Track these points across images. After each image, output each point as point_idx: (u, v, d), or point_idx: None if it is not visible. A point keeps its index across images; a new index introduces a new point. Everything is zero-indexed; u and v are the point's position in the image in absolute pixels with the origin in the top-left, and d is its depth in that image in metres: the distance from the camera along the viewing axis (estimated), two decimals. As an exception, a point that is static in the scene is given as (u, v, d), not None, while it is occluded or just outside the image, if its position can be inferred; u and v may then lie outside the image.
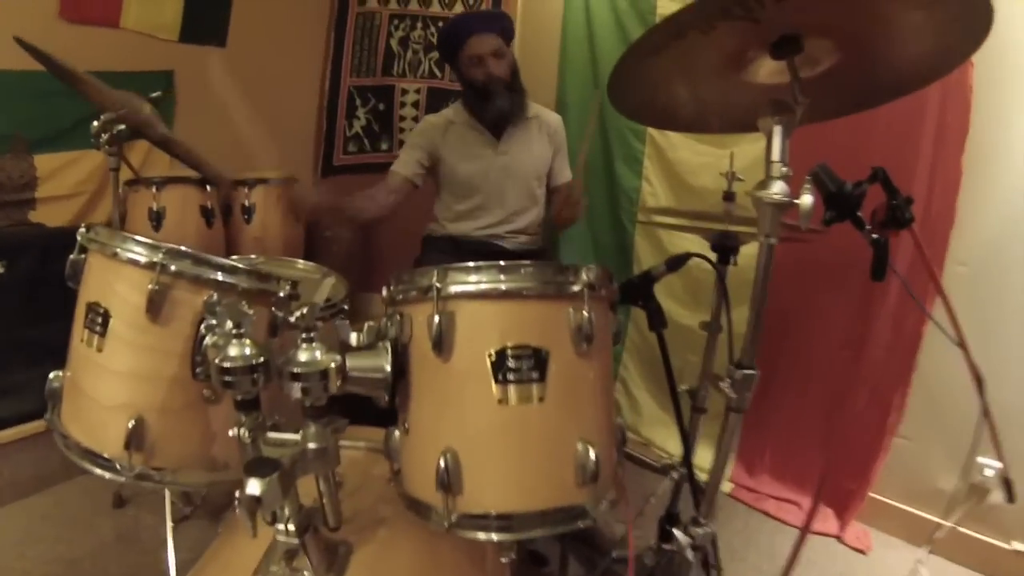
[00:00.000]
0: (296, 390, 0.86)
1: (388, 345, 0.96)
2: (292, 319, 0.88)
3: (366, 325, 0.98)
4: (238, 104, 3.39)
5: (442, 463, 0.91)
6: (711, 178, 2.51)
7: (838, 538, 2.28)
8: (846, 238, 1.16)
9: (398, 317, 0.99)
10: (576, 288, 0.96)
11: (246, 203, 2.89)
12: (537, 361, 0.92)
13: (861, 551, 2.22)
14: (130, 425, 1.03)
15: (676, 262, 1.33)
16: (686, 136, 2.62)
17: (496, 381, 0.92)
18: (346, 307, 1.47)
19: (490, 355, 0.92)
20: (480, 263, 0.94)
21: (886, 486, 2.31)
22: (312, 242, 3.16)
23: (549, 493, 0.94)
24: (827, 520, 2.32)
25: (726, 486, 2.53)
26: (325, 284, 1.61)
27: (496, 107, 2.28)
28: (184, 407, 1.07)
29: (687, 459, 1.43)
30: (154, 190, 2.58)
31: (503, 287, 0.94)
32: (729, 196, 1.57)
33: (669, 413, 2.12)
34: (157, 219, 2.58)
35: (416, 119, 3.57)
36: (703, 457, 2.16)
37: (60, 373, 1.17)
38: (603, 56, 2.90)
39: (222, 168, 2.34)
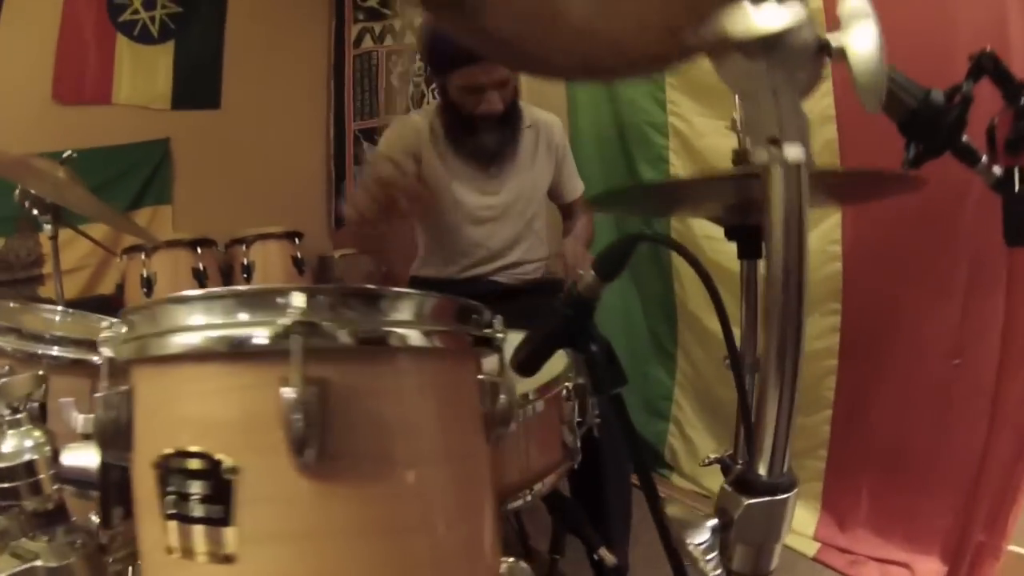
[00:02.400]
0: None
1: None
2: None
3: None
4: (238, 163, 3.43)
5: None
6: (749, 162, 2.12)
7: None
8: (943, 189, 0.78)
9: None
10: (281, 339, 0.53)
11: (245, 261, 2.77)
12: (217, 486, 0.53)
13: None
14: None
15: (610, 260, 0.74)
16: (710, 118, 2.26)
17: (164, 514, 0.55)
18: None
19: (155, 463, 0.55)
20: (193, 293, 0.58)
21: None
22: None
23: None
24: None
25: (809, 547, 2.00)
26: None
27: (480, 144, 1.84)
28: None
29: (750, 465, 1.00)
30: (143, 256, 2.54)
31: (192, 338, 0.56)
32: (742, 157, 1.05)
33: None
34: (148, 285, 2.53)
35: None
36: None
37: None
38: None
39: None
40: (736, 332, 0.93)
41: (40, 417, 0.73)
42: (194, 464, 0.52)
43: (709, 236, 2.20)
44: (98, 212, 1.86)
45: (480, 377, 0.68)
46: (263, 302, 0.54)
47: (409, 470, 0.58)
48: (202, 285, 2.62)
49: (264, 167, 3.37)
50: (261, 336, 0.52)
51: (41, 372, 0.75)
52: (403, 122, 2.02)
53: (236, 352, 0.52)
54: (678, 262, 2.44)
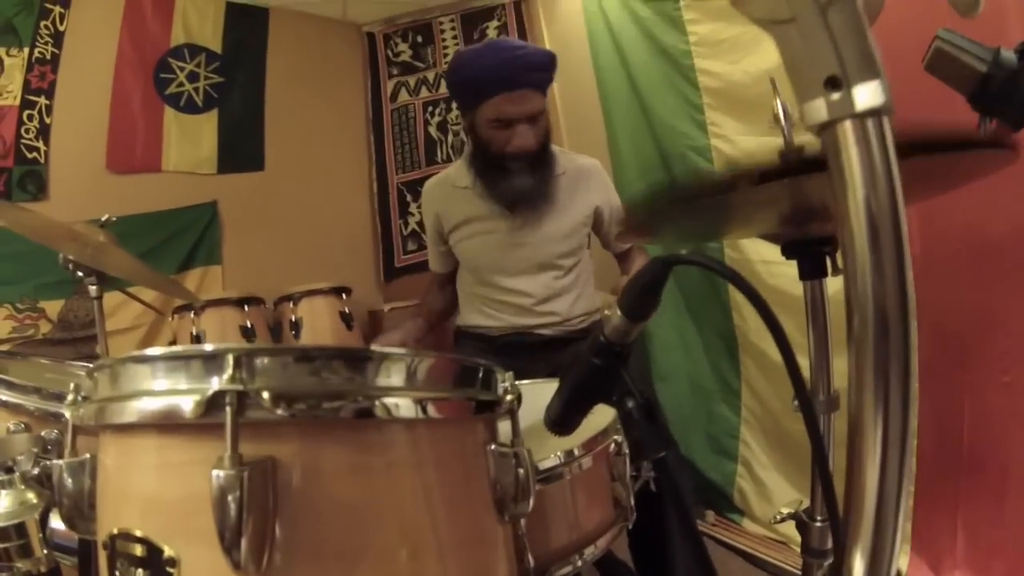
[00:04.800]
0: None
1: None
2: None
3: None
4: (285, 221, 3.48)
5: None
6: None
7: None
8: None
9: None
10: (212, 411, 0.44)
11: (293, 318, 2.78)
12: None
13: None
14: None
15: (638, 294, 0.59)
16: (754, 135, 2.14)
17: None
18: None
19: (105, 542, 0.49)
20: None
21: None
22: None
23: None
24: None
25: (906, 593, 1.78)
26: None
27: (512, 187, 1.71)
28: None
29: (839, 562, 0.85)
30: (192, 315, 2.58)
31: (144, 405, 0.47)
32: (792, 154, 0.85)
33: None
34: (198, 343, 2.53)
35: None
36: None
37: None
38: (640, 75, 2.54)
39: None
40: (804, 364, 0.80)
41: (37, 479, 0.68)
42: (137, 550, 0.44)
43: (766, 261, 2.06)
44: (137, 274, 1.86)
45: (491, 447, 0.58)
46: (207, 365, 0.45)
47: (391, 566, 0.47)
48: (250, 343, 2.62)
49: (310, 224, 3.40)
50: (188, 406, 0.43)
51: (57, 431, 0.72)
52: (425, 192, 1.96)
53: (171, 424, 0.44)
54: (735, 292, 2.30)
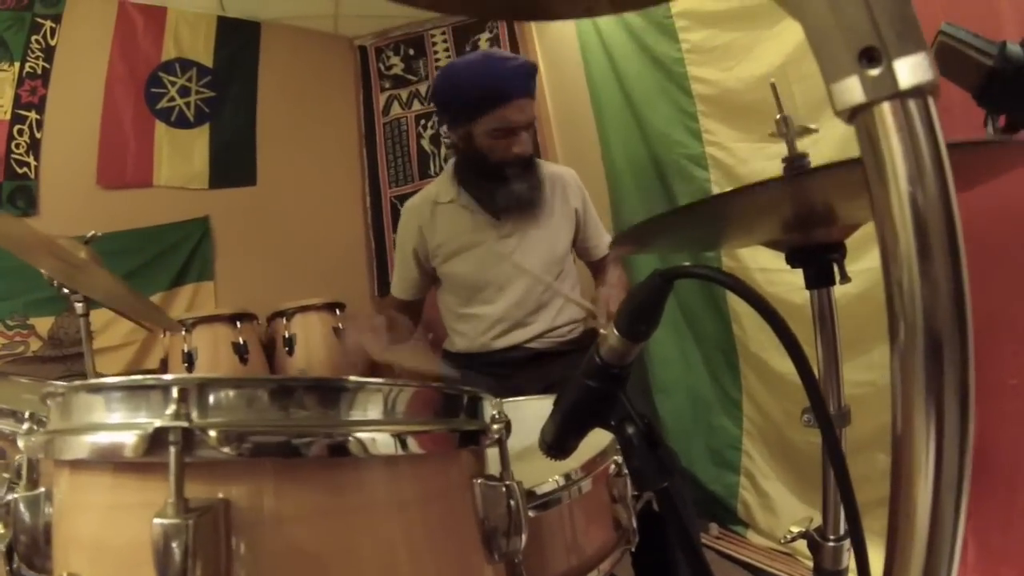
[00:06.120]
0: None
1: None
2: None
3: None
4: (277, 237, 3.44)
5: None
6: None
7: None
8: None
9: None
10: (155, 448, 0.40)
11: (286, 335, 2.75)
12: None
13: None
14: None
15: (637, 311, 0.54)
16: (750, 142, 2.11)
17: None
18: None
19: None
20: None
21: None
22: (370, 367, 2.94)
23: None
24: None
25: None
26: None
27: (512, 193, 1.73)
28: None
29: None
30: (183, 332, 2.54)
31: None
32: (796, 164, 0.85)
33: (816, 507, 1.43)
34: (190, 360, 2.53)
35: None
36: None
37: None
38: (633, 84, 2.52)
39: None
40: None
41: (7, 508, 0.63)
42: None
43: (764, 268, 2.03)
44: (114, 297, 1.81)
45: (477, 481, 0.54)
46: (163, 397, 0.40)
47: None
48: (243, 359, 2.59)
49: (303, 240, 3.36)
50: (130, 443, 0.38)
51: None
52: (405, 210, 1.93)
53: (116, 462, 0.40)
54: (734, 300, 2.27)
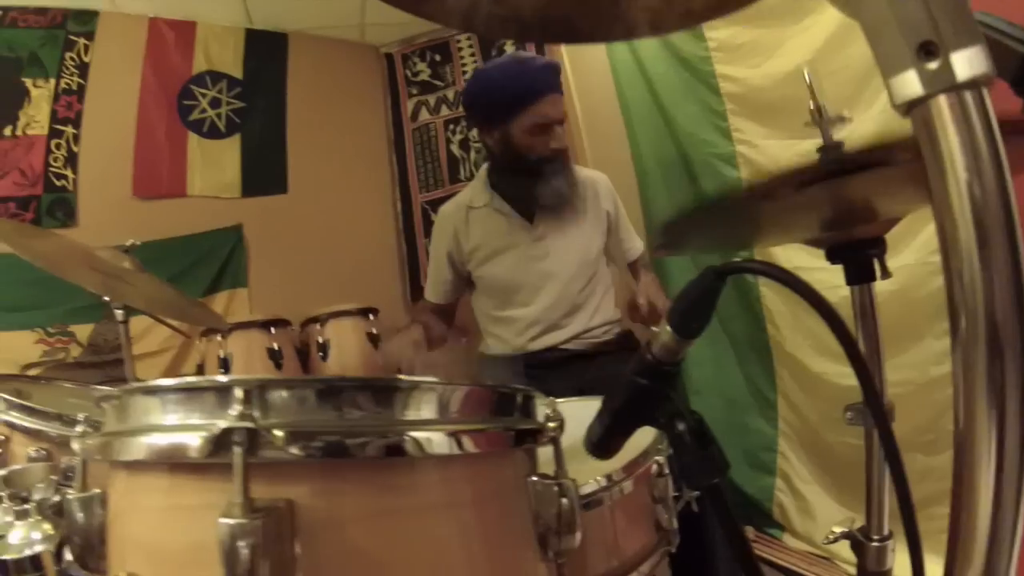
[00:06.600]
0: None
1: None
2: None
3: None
4: (310, 243, 3.49)
5: None
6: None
7: None
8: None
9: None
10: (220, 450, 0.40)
11: (320, 340, 2.75)
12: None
13: None
14: None
15: (690, 307, 0.54)
16: (780, 138, 2.09)
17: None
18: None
19: None
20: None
21: None
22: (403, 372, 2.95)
23: None
24: None
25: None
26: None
27: (552, 189, 1.75)
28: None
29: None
30: (219, 338, 2.58)
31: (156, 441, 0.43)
32: (832, 152, 0.83)
33: (858, 511, 1.40)
34: (225, 365, 2.56)
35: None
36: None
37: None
38: (661, 85, 2.51)
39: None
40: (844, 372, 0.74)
41: (56, 508, 0.66)
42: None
43: (797, 267, 2.00)
44: (156, 304, 1.85)
45: (531, 479, 0.53)
46: (219, 398, 0.40)
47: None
48: (278, 365, 2.62)
49: (335, 246, 3.39)
50: (194, 444, 0.38)
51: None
52: (440, 216, 1.98)
53: (177, 464, 0.40)
54: (767, 299, 2.24)
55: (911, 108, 0.24)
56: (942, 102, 0.24)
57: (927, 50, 0.23)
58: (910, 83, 0.24)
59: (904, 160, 0.59)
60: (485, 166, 1.92)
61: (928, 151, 0.24)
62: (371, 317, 2.84)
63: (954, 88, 0.23)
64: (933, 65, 0.23)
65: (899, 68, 0.24)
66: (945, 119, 0.24)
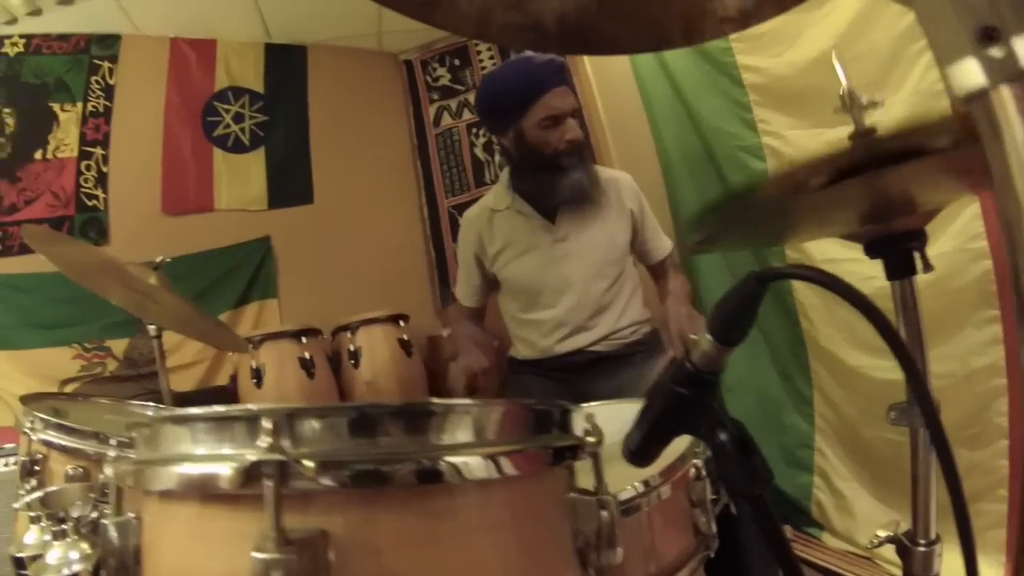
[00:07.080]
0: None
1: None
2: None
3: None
4: (338, 252, 3.51)
5: None
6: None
7: None
8: None
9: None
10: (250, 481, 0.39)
11: (351, 348, 2.79)
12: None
13: None
14: None
15: (732, 315, 0.52)
16: (806, 128, 2.04)
17: None
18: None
19: None
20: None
21: None
22: (435, 378, 2.94)
23: None
24: None
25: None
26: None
27: (572, 183, 1.74)
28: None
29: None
30: (251, 348, 2.59)
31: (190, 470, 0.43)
32: (865, 137, 0.79)
33: (899, 509, 1.35)
34: (258, 376, 2.58)
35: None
36: None
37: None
38: (683, 79, 2.47)
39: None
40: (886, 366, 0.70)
41: (93, 526, 0.66)
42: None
43: (830, 259, 1.95)
44: (181, 323, 1.87)
45: (570, 496, 0.52)
46: (249, 429, 0.39)
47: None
48: (310, 374, 2.64)
49: (363, 254, 3.42)
50: (225, 475, 0.38)
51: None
52: (464, 220, 2.00)
53: (210, 494, 0.40)
54: (799, 292, 2.19)
55: (971, 100, 0.22)
56: (1005, 93, 0.22)
57: (988, 35, 0.21)
58: (971, 72, 0.22)
59: (944, 147, 0.56)
60: (507, 169, 1.92)
61: (991, 142, 0.22)
62: (401, 323, 2.86)
63: (1019, 77, 0.21)
64: (995, 52, 0.21)
65: (957, 55, 0.22)
66: (1009, 112, 0.22)
